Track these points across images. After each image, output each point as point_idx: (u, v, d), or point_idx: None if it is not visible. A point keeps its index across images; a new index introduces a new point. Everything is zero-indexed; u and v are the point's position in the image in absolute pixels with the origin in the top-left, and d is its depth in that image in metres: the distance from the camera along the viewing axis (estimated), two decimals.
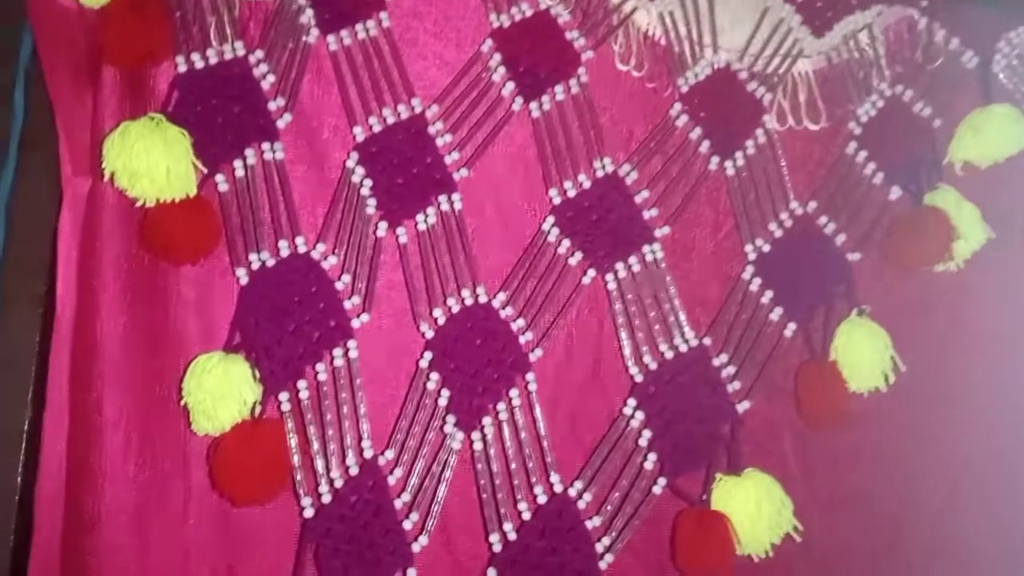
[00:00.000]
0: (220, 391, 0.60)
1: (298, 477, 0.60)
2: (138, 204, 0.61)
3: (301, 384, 0.62)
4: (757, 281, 0.70)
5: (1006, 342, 0.78)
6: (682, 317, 0.68)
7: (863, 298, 0.71)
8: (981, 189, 0.75)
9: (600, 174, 0.69)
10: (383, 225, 0.64)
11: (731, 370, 0.68)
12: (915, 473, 0.74)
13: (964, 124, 0.76)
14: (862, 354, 0.69)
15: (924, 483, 0.75)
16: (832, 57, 0.75)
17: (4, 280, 0.63)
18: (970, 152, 0.76)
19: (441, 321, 0.64)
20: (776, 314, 0.70)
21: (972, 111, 0.76)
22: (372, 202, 0.64)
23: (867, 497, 0.73)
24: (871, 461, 0.73)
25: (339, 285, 0.63)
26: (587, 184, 0.69)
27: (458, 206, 0.65)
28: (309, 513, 0.60)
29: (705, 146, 0.71)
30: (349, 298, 0.63)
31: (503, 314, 0.65)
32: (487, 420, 0.63)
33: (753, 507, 0.65)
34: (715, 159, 0.71)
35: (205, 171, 0.62)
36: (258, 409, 0.60)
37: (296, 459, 0.60)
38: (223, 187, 0.63)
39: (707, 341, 0.69)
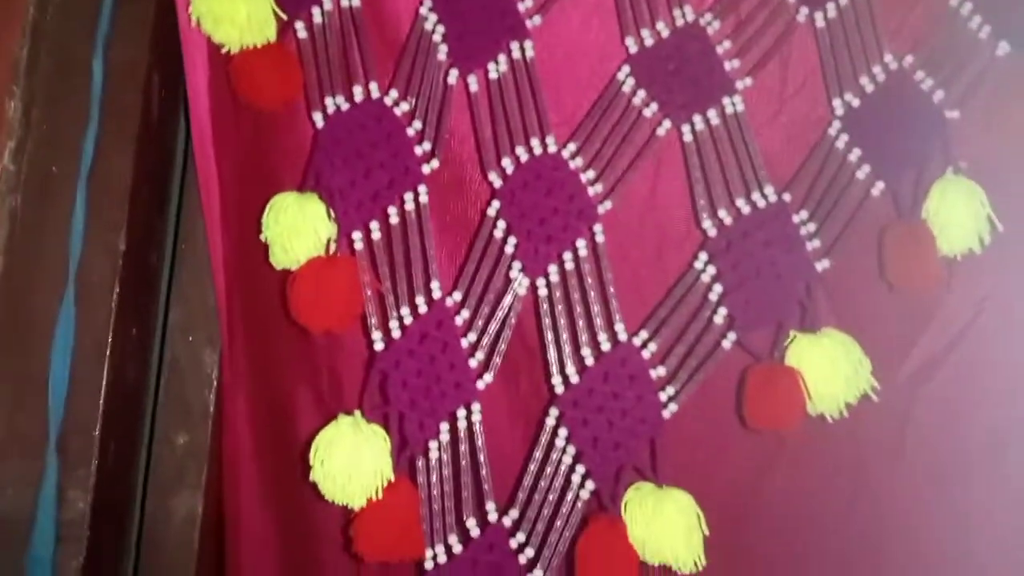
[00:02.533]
0: (296, 226, 0.62)
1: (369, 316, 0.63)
2: (223, 51, 0.64)
3: (373, 225, 0.64)
4: (844, 137, 0.67)
5: None
6: (761, 172, 0.66)
7: (961, 158, 0.67)
8: None
9: (680, 23, 0.67)
10: (454, 72, 0.65)
11: (811, 227, 0.66)
12: None
13: None
14: (957, 214, 0.65)
15: None
16: None
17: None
18: None
19: (509, 170, 0.65)
20: (863, 172, 0.66)
21: None
22: (443, 48, 0.65)
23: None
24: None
25: (410, 131, 0.64)
26: (665, 33, 0.66)
27: (530, 54, 0.65)
28: (379, 347, 0.63)
29: None
30: (420, 143, 0.64)
31: (572, 164, 0.65)
32: (552, 268, 0.64)
33: (828, 365, 0.63)
34: (804, 10, 0.68)
35: (285, 18, 0.64)
36: (332, 246, 0.63)
37: (367, 296, 0.63)
38: (302, 34, 0.65)
39: (787, 197, 0.66)
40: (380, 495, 0.60)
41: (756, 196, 0.66)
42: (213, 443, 0.70)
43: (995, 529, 0.72)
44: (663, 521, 0.60)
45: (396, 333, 0.63)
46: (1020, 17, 0.68)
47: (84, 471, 0.69)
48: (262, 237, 0.63)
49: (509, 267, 0.64)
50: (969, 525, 0.72)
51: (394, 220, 0.64)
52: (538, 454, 0.63)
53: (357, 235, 0.63)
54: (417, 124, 0.64)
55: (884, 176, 0.66)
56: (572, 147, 0.65)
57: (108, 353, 0.68)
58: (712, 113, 0.66)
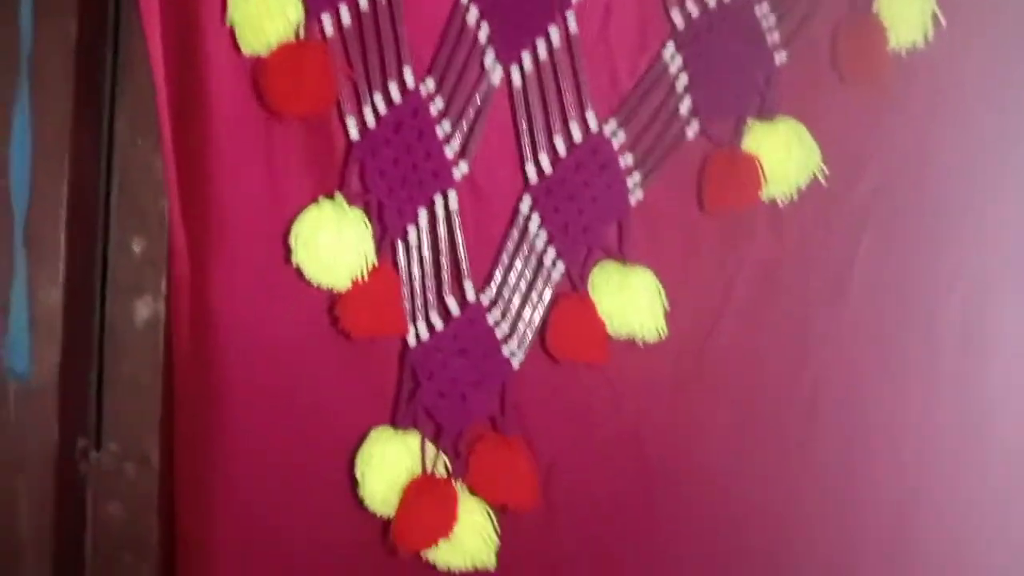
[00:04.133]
0: (266, 8, 0.61)
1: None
2: None
3: (344, 9, 0.62)
4: None
5: None
6: None
7: None
8: None
9: None
10: None
11: (771, 20, 0.68)
12: None
13: None
14: (906, 7, 0.68)
15: None
16: None
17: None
18: None
19: None
20: None
21: None
22: None
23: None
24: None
25: None
26: None
27: None
28: (355, 135, 0.63)
29: None
30: None
31: None
32: (526, 55, 0.65)
33: (783, 150, 0.67)
34: None
35: None
36: (303, 31, 0.62)
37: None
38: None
39: None
40: (365, 277, 0.62)
41: None
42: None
43: (928, 384, 0.75)
44: (627, 295, 0.65)
45: (371, 121, 0.63)
46: None
47: (52, 267, 0.69)
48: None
49: (483, 55, 0.64)
50: (906, 384, 0.75)
51: (364, 4, 0.63)
52: (512, 238, 0.66)
53: (327, 18, 0.62)
54: None
55: None
56: None
57: (68, 147, 0.67)
58: None
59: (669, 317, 0.67)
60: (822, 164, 0.68)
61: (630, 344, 0.67)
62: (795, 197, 0.68)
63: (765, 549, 0.76)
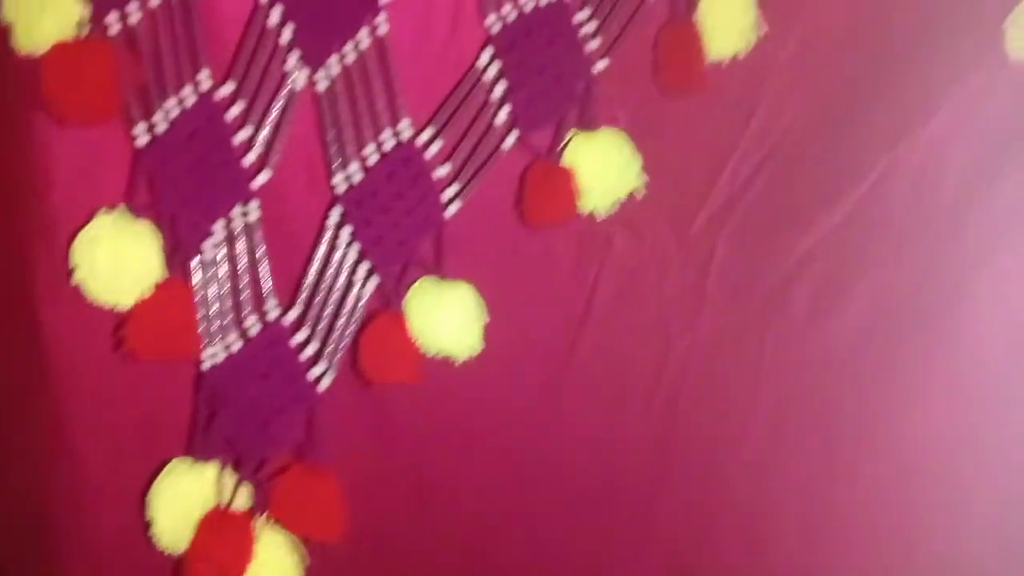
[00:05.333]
0: (43, 2, 0.56)
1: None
2: None
3: (133, 6, 0.58)
4: None
5: None
6: None
7: None
8: None
9: None
10: None
11: (592, 27, 0.67)
12: None
13: None
14: (725, 16, 0.68)
15: None
16: None
17: None
18: None
19: None
20: None
21: None
22: None
23: None
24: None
25: None
26: None
27: None
28: (143, 141, 0.59)
29: None
30: None
31: None
32: (333, 59, 0.61)
33: (600, 161, 0.65)
34: None
35: None
36: (85, 29, 0.57)
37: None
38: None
39: None
40: (151, 293, 0.57)
41: None
42: None
43: (784, 383, 0.79)
44: (441, 312, 0.62)
45: (162, 127, 0.59)
46: None
47: None
48: None
49: (285, 59, 0.61)
50: (759, 384, 0.79)
51: (155, 1, 0.58)
52: (321, 252, 0.62)
53: (113, 16, 0.57)
54: None
55: None
56: None
57: None
58: None
59: (525, 327, 0.67)
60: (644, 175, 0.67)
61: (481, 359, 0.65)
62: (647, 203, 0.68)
63: (631, 551, 0.78)
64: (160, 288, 0.58)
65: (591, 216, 0.67)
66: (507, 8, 0.64)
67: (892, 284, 0.83)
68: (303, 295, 0.62)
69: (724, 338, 0.78)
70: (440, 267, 0.64)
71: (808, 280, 0.80)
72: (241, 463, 0.61)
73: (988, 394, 0.87)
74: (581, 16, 0.66)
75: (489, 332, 0.64)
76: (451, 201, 0.64)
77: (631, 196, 0.67)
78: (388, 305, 0.63)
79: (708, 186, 0.76)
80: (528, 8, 0.65)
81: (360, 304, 0.63)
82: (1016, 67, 0.79)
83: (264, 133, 0.60)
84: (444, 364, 0.64)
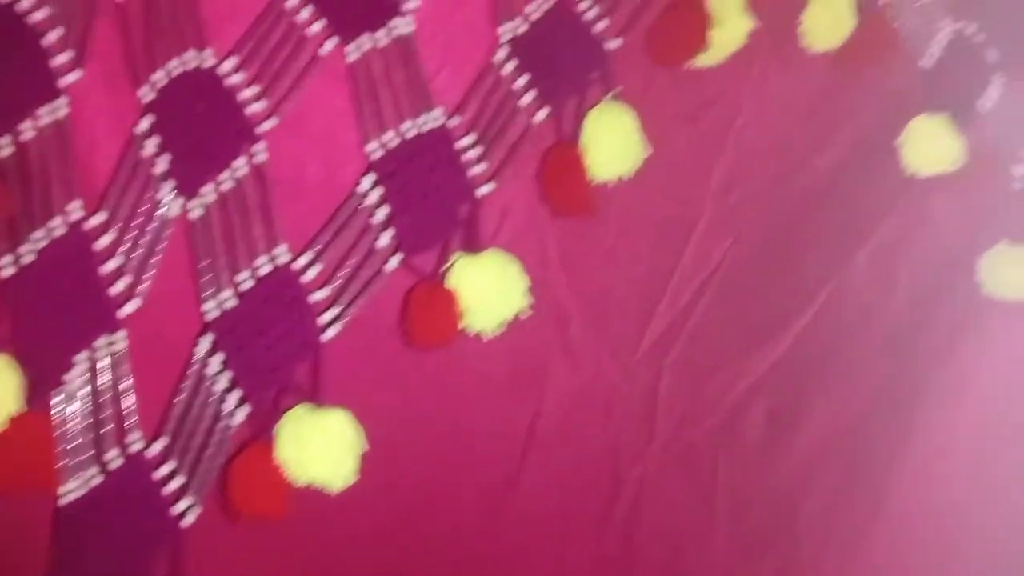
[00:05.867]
0: None
1: None
2: None
3: (5, 140, 0.58)
4: (511, 64, 0.68)
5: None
6: (428, 96, 0.66)
7: (621, 84, 0.70)
8: None
9: None
10: None
11: (476, 152, 0.67)
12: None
13: None
14: (608, 139, 0.68)
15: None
16: None
17: None
18: None
19: (162, 84, 0.61)
20: (529, 98, 0.68)
21: None
22: None
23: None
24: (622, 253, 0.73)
25: None
26: None
27: None
28: (7, 272, 0.58)
29: None
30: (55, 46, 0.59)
31: (230, 81, 0.62)
32: (208, 188, 0.61)
33: (484, 284, 0.65)
34: None
35: None
36: None
37: None
38: None
39: (454, 121, 0.67)
40: (5, 427, 0.56)
41: (423, 119, 0.66)
42: None
43: (740, 512, 0.79)
44: (313, 441, 0.60)
45: (28, 258, 0.58)
46: None
47: None
48: None
49: (159, 188, 0.61)
50: (715, 514, 0.78)
51: (28, 135, 0.59)
52: (189, 380, 0.61)
53: None
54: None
55: (548, 102, 0.69)
56: (233, 61, 0.63)
57: None
58: (380, 33, 0.65)
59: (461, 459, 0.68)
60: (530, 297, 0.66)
61: None
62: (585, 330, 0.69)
63: None
64: (15, 422, 0.56)
65: (477, 337, 0.66)
66: (389, 135, 0.65)
67: (847, 405, 0.82)
68: (169, 426, 0.60)
69: (676, 468, 0.77)
70: (317, 393, 0.62)
71: (760, 407, 0.79)
72: None
73: (953, 509, 0.84)
74: (464, 142, 0.67)
75: (374, 462, 0.62)
76: (329, 325, 0.63)
77: (517, 317, 0.66)
78: (259, 434, 0.61)
79: (648, 311, 0.76)
80: (410, 134, 0.65)
81: (229, 434, 0.61)
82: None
83: (134, 262, 0.60)
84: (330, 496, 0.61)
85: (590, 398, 0.75)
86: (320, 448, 0.60)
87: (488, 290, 0.65)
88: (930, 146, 0.77)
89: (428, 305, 0.64)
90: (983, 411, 0.84)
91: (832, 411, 0.82)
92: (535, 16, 0.69)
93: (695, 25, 0.71)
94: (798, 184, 0.79)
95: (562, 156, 0.68)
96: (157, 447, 0.60)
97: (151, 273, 0.60)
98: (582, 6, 0.70)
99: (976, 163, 0.78)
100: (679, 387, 0.77)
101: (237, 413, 0.61)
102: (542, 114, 0.69)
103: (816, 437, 0.81)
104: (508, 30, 0.68)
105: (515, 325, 0.69)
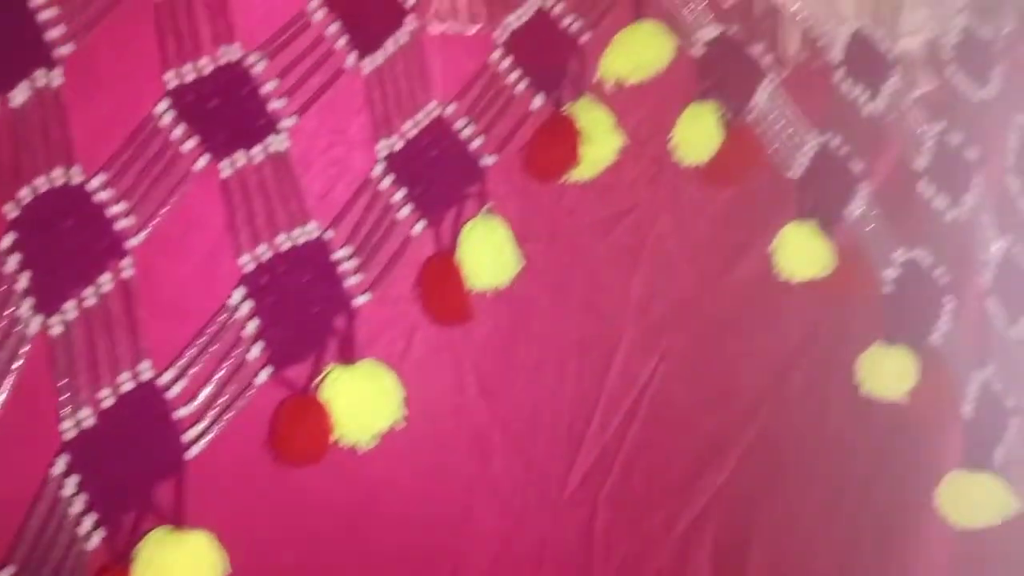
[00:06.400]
0: None
1: None
2: None
3: None
4: (388, 179, 0.70)
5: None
6: (304, 210, 0.67)
7: (495, 199, 0.72)
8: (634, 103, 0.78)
9: (224, 61, 0.67)
10: None
11: (353, 263, 0.68)
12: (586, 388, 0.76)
13: (614, 41, 0.78)
14: (483, 251, 0.70)
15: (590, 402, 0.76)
16: None
17: None
18: (619, 68, 0.78)
19: (27, 200, 0.61)
20: (406, 211, 0.70)
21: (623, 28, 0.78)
22: None
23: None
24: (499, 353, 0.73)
25: None
26: (209, 69, 0.66)
27: (58, 82, 0.62)
28: None
29: (343, 42, 0.70)
30: None
31: (98, 197, 0.62)
32: (70, 304, 0.60)
33: (357, 396, 0.64)
34: (352, 56, 0.71)
35: None
36: None
37: None
38: None
39: (330, 234, 0.68)
40: None
41: (297, 232, 0.67)
42: None
43: None
44: (171, 567, 0.58)
45: None
46: (552, 71, 0.76)
47: None
48: None
49: (19, 304, 0.60)
50: None
51: None
52: (43, 503, 0.58)
53: None
54: None
55: (426, 215, 0.70)
56: (101, 178, 0.63)
57: None
58: (256, 150, 0.66)
59: None
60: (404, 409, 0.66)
61: None
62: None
63: None
64: None
65: (354, 451, 0.65)
66: (262, 248, 0.65)
67: (796, 521, 0.81)
68: (20, 552, 0.57)
69: None
70: (179, 515, 0.60)
71: (707, 540, 0.77)
72: None
73: None
74: (340, 254, 0.68)
75: None
76: (195, 442, 0.61)
77: (392, 429, 0.65)
78: (117, 560, 0.59)
79: (577, 438, 0.74)
80: (284, 247, 0.66)
81: (84, 560, 0.58)
82: None
83: None
84: None
85: (518, 543, 0.71)
86: (179, 574, 0.58)
87: (362, 402, 0.64)
88: (801, 252, 0.81)
89: (298, 419, 0.63)
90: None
91: (778, 537, 0.81)
92: (412, 133, 0.71)
93: (567, 142, 0.74)
94: (718, 297, 0.80)
95: (439, 267, 0.69)
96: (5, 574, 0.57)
97: (4, 393, 0.58)
98: (458, 124, 0.73)
99: (846, 267, 0.82)
100: (617, 525, 0.74)
101: (93, 536, 0.58)
102: (420, 226, 0.70)
103: (764, 566, 0.80)
104: (385, 146, 0.70)
105: (431, 462, 0.68)
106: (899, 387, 0.81)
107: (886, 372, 0.82)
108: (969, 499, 0.83)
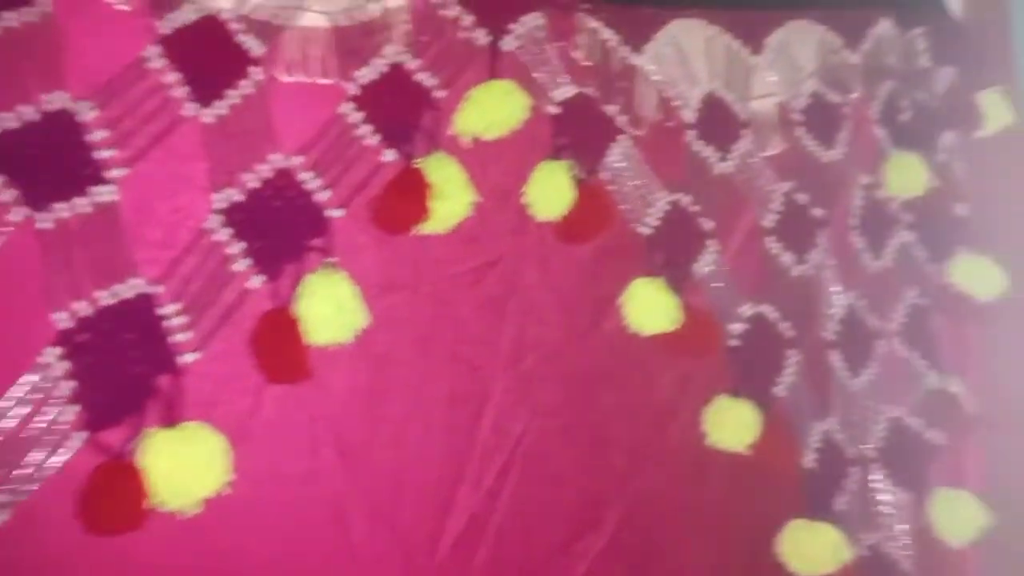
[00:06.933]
0: None
1: None
2: None
3: None
4: (224, 231, 0.68)
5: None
6: (130, 264, 0.65)
7: (350, 258, 0.71)
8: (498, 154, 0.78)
9: (50, 108, 0.64)
10: None
11: (181, 320, 0.65)
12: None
13: (467, 97, 0.78)
14: (323, 306, 0.68)
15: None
16: (339, 19, 0.75)
17: None
18: (473, 124, 0.78)
19: None
20: (243, 265, 0.68)
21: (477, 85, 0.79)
22: None
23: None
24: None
25: None
26: (33, 117, 0.63)
27: None
28: None
29: (182, 91, 0.69)
30: None
31: None
32: None
33: (177, 460, 0.62)
34: (193, 105, 0.69)
35: None
36: None
37: None
38: None
39: (157, 289, 0.65)
40: None
41: (121, 288, 0.64)
42: None
43: None
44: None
45: None
46: (404, 126, 0.76)
47: None
48: None
49: None
50: None
51: None
52: None
53: None
54: None
55: (264, 270, 0.68)
56: None
57: None
58: (81, 201, 0.64)
59: None
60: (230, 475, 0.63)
61: None
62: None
63: None
64: None
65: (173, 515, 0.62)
66: (81, 304, 0.63)
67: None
68: None
69: None
70: None
71: None
72: None
73: None
74: (167, 310, 0.65)
75: None
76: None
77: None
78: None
79: (446, 501, 0.72)
80: (105, 302, 0.63)
81: None
82: None
83: None
84: None
85: None
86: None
87: (182, 465, 0.62)
88: (648, 306, 0.82)
89: (109, 484, 0.60)
90: None
91: None
92: (253, 185, 0.70)
93: (417, 196, 0.73)
94: (589, 349, 0.80)
95: (275, 322, 0.68)
96: None
97: None
98: (304, 176, 0.72)
99: (693, 322, 0.84)
100: None
101: None
102: (257, 280, 0.68)
103: None
104: (223, 198, 0.69)
105: (284, 530, 0.65)
106: (742, 439, 0.84)
107: (730, 424, 0.84)
108: (809, 548, 0.86)
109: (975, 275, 0.96)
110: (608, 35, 0.85)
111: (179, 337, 0.65)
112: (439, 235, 0.75)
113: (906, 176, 0.98)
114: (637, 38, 0.87)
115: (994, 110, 1.00)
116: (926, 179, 0.97)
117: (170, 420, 0.63)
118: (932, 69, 1.01)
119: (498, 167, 0.79)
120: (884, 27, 1.00)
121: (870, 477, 0.93)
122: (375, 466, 0.71)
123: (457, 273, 0.78)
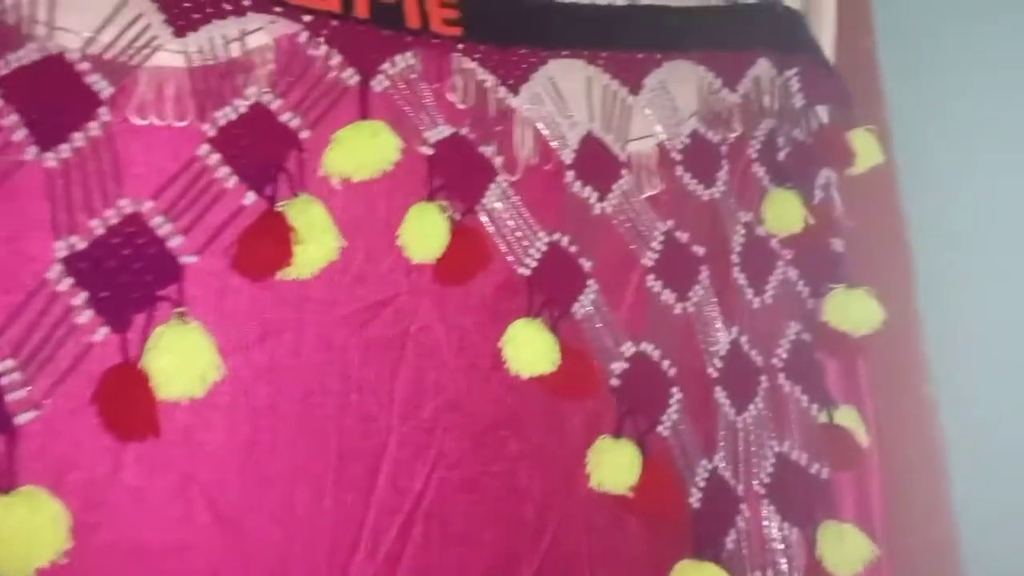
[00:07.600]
0: None
1: None
2: None
3: None
4: (67, 281, 0.64)
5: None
6: None
7: (217, 303, 0.68)
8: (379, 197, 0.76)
9: None
10: None
11: (17, 377, 0.61)
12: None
13: (334, 138, 0.76)
14: (174, 358, 0.65)
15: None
16: (196, 59, 0.73)
17: None
18: (341, 165, 0.76)
19: None
20: (86, 316, 0.64)
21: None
22: None
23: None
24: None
25: None
26: None
27: None
28: None
29: (21, 134, 0.65)
30: None
31: None
32: None
33: (10, 527, 0.58)
34: (33, 149, 0.65)
35: None
36: None
37: None
38: None
39: None
40: None
41: None
42: None
43: None
44: None
45: None
46: (265, 167, 0.73)
47: None
48: None
49: None
50: None
51: None
52: None
53: None
54: None
55: (110, 321, 0.65)
56: None
57: None
58: None
59: None
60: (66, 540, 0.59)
61: None
62: None
63: None
64: None
65: None
66: None
67: None
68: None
69: None
70: None
71: None
72: None
73: None
74: (3, 366, 0.61)
75: None
76: None
77: None
78: None
79: (340, 568, 0.68)
80: None
81: None
82: None
83: None
84: None
85: None
86: None
87: (16, 533, 0.58)
88: (528, 348, 0.81)
89: None
90: None
91: None
92: (100, 231, 0.67)
93: (279, 240, 0.71)
94: (492, 393, 0.77)
95: (120, 377, 0.64)
96: None
97: None
98: (155, 222, 0.69)
99: (572, 363, 0.83)
100: None
101: None
102: (102, 332, 0.65)
103: None
104: (65, 246, 0.65)
105: None
106: (624, 480, 0.83)
107: (611, 465, 0.83)
108: None
109: (851, 309, 0.98)
110: (484, 76, 0.85)
111: (15, 395, 0.61)
112: (323, 275, 0.72)
113: (784, 213, 0.99)
114: (514, 79, 0.86)
115: (865, 148, 1.03)
116: (803, 215, 0.99)
117: (4, 486, 0.58)
118: (807, 108, 1.04)
119: (387, 204, 0.78)
120: (762, 67, 1.02)
121: (760, 513, 0.93)
122: (256, 535, 0.67)
123: (345, 315, 0.75)
